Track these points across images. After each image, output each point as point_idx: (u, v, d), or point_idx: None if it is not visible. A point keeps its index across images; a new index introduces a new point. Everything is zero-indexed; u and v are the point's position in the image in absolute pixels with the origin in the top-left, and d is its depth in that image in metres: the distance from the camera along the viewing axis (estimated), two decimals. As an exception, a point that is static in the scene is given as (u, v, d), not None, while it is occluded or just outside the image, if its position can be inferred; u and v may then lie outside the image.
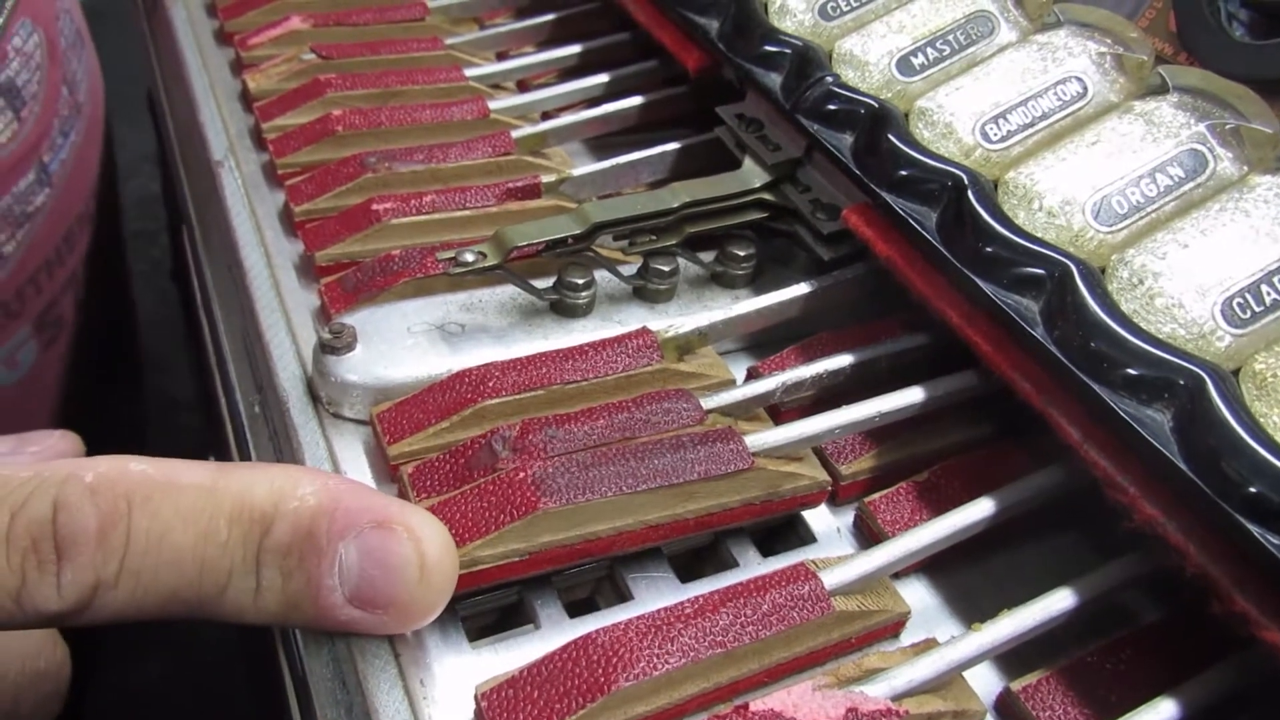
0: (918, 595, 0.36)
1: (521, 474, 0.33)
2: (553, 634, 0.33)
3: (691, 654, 0.30)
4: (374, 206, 0.46)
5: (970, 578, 0.37)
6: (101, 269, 0.80)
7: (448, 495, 0.33)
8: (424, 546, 0.30)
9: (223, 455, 0.48)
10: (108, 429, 0.83)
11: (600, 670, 0.29)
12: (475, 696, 0.29)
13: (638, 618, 0.30)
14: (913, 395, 0.38)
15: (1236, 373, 0.31)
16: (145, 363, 1.03)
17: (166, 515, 0.28)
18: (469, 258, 0.41)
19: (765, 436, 0.36)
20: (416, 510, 0.31)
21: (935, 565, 0.37)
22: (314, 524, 0.29)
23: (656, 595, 0.35)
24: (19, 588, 0.28)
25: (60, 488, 0.28)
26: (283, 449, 0.39)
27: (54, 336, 0.73)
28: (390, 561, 0.29)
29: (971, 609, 0.36)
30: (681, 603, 0.31)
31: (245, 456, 0.42)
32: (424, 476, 0.35)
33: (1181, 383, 0.31)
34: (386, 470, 0.37)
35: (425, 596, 0.30)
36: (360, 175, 0.48)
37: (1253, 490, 0.28)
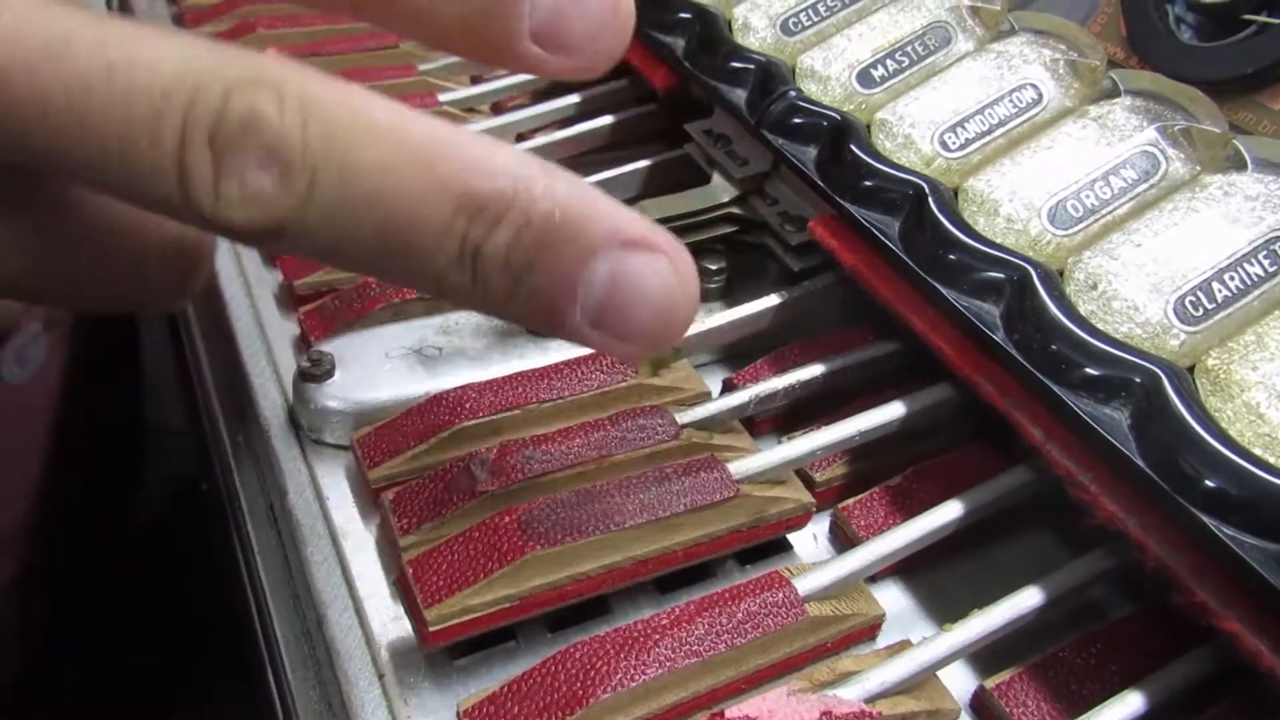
0: (893, 598, 0.37)
1: (507, 518, 0.33)
2: (534, 649, 0.34)
3: (668, 664, 0.30)
4: (350, 234, 0.46)
5: (946, 579, 0.38)
6: None
7: (431, 545, 0.33)
8: (683, 275, 0.25)
9: (213, 483, 0.49)
10: (101, 438, 0.83)
11: (579, 683, 0.29)
12: (457, 715, 0.30)
13: (614, 630, 0.31)
14: (893, 411, 0.38)
15: (1191, 369, 0.32)
16: (146, 392, 1.04)
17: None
18: (444, 282, 0.41)
19: (748, 463, 0.36)
20: (664, 230, 0.25)
21: (910, 568, 0.38)
22: (557, 227, 0.23)
23: (636, 608, 0.36)
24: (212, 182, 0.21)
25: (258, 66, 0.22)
26: (266, 476, 0.40)
27: (59, 334, 0.73)
28: (649, 292, 0.24)
29: (947, 610, 0.37)
30: (657, 614, 0.32)
31: (230, 485, 0.43)
32: (405, 502, 0.35)
33: (1138, 381, 0.31)
34: (368, 495, 0.37)
35: (678, 331, 0.25)
36: (337, 204, 0.48)
37: (1208, 484, 0.29)
